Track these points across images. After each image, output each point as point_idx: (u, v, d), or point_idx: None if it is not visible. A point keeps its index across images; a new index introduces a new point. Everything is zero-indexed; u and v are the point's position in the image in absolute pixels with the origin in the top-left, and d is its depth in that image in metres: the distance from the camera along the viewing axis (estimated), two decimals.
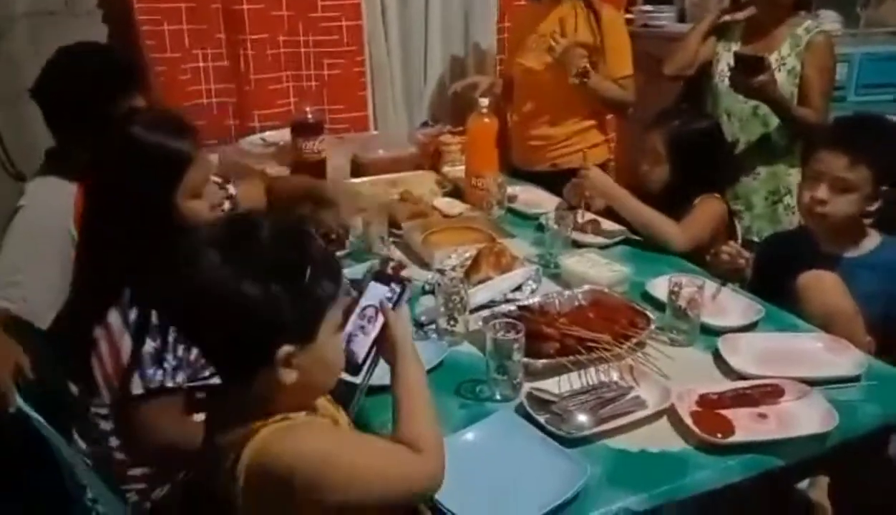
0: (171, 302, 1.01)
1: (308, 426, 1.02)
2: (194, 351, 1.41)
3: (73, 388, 1.48)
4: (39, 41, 1.96)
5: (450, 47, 3.04)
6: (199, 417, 1.42)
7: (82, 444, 1.49)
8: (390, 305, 1.16)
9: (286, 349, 0.96)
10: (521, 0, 3.03)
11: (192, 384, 1.42)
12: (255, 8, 2.65)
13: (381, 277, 1.20)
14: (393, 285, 1.18)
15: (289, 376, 0.97)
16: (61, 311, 1.48)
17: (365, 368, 1.15)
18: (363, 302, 1.17)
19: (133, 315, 1.34)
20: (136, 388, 1.33)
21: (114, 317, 1.34)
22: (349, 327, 1.13)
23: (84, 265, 1.43)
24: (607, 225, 2.11)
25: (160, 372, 1.34)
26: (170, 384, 1.35)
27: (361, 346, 1.14)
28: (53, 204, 1.74)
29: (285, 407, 1.01)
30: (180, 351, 1.38)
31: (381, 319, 1.16)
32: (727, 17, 2.46)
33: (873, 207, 1.74)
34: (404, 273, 1.58)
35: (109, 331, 1.34)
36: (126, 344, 1.33)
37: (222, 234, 0.98)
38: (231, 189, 1.83)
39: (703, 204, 2.06)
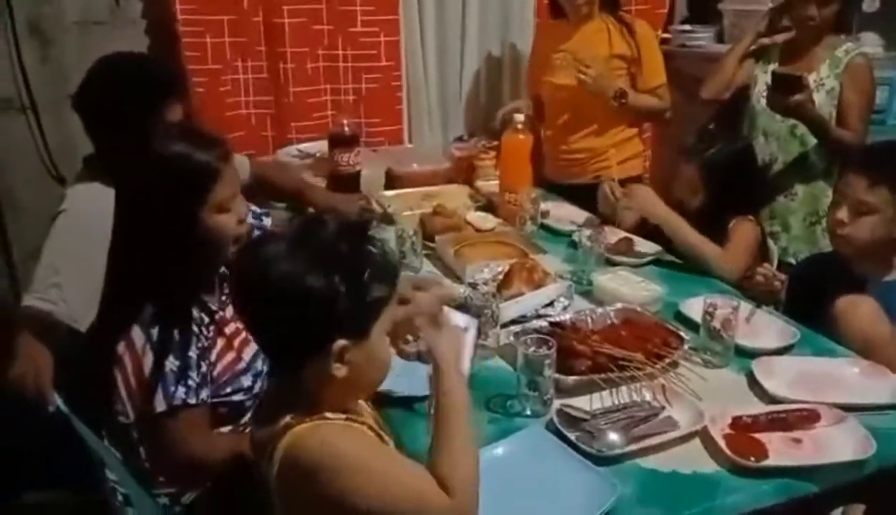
0: (238, 284, 1.06)
1: (345, 428, 1.03)
2: (217, 368, 1.43)
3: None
4: (86, 49, 2.02)
5: (486, 64, 3.06)
6: (224, 429, 1.45)
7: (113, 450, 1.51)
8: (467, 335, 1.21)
9: (341, 342, 1.00)
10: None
11: (215, 400, 1.43)
12: (295, 22, 2.69)
13: (462, 309, 1.29)
14: (470, 320, 1.26)
15: (340, 371, 1.01)
16: (91, 324, 1.49)
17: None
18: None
19: (155, 332, 1.33)
20: (160, 405, 1.33)
21: (136, 333, 1.34)
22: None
23: (111, 277, 1.43)
24: (640, 243, 2.11)
25: (183, 389, 1.34)
26: (192, 401, 1.35)
27: (463, 363, 1.20)
28: (94, 208, 1.76)
29: (331, 402, 1.04)
30: (204, 367, 1.38)
31: (468, 347, 1.22)
32: (765, 40, 2.44)
33: None
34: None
35: (132, 347, 1.34)
36: (149, 360, 1.33)
37: (292, 229, 1.04)
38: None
39: (740, 228, 2.05)
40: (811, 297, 1.76)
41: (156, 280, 1.36)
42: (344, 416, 1.05)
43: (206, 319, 1.43)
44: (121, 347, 1.35)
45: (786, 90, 2.18)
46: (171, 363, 1.33)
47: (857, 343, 1.61)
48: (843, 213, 1.72)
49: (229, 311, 1.49)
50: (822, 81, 2.31)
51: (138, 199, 1.39)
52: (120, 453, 1.47)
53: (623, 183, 2.20)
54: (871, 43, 2.90)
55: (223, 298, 1.50)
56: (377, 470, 0.99)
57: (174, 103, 1.82)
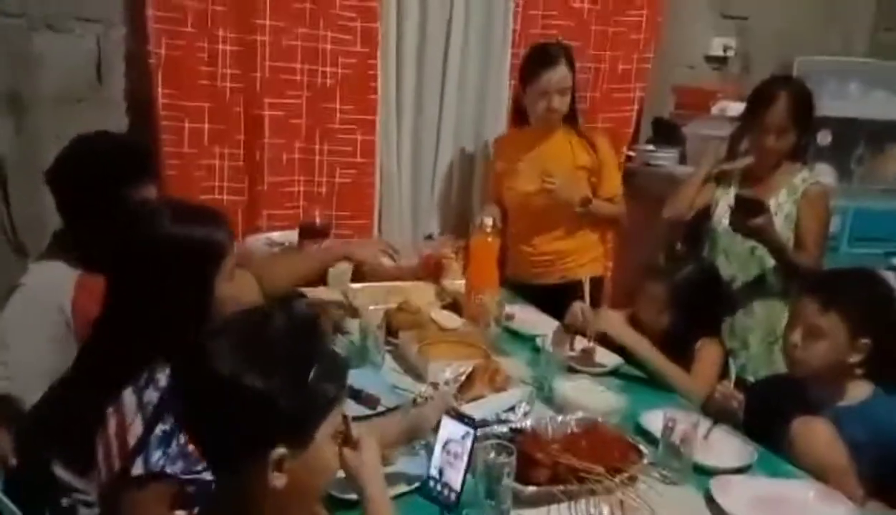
0: (175, 386, 1.01)
1: None
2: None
3: (60, 472, 1.43)
4: (63, 124, 2.03)
5: (459, 164, 3.13)
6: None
7: None
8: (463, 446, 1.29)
9: (279, 451, 0.93)
10: None
11: (185, 476, 1.38)
12: (275, 114, 2.75)
13: (453, 416, 1.36)
14: (466, 423, 1.35)
15: (279, 480, 0.94)
16: (58, 390, 1.45)
17: (461, 487, 1.33)
18: (443, 436, 1.37)
19: (148, 395, 1.31)
20: (137, 469, 1.29)
21: (128, 397, 1.31)
22: (438, 460, 1.34)
23: (97, 349, 1.42)
24: (602, 354, 2.12)
25: (164, 456, 1.30)
26: (169, 470, 1.31)
27: (457, 474, 1.34)
28: (52, 283, 1.75)
29: (276, 512, 0.98)
30: (182, 438, 1.34)
31: (464, 456, 1.31)
32: (725, 166, 2.55)
33: (853, 359, 1.73)
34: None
35: (121, 411, 1.31)
36: (136, 424, 1.30)
37: (237, 323, 0.99)
38: None
39: (707, 350, 2.09)
40: (768, 417, 1.77)
41: (163, 349, 1.34)
42: None
43: None
44: (109, 410, 1.31)
45: (748, 212, 2.27)
46: (159, 428, 1.30)
47: (812, 465, 1.62)
48: (796, 336, 1.76)
49: None
50: (781, 206, 2.41)
51: (145, 278, 1.38)
52: None
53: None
54: (824, 173, 3.05)
55: None
56: None
57: (148, 183, 1.82)
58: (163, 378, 1.33)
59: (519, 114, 2.79)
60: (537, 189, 2.61)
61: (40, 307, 1.72)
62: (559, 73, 2.58)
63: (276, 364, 0.93)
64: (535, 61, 2.62)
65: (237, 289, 1.49)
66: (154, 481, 1.30)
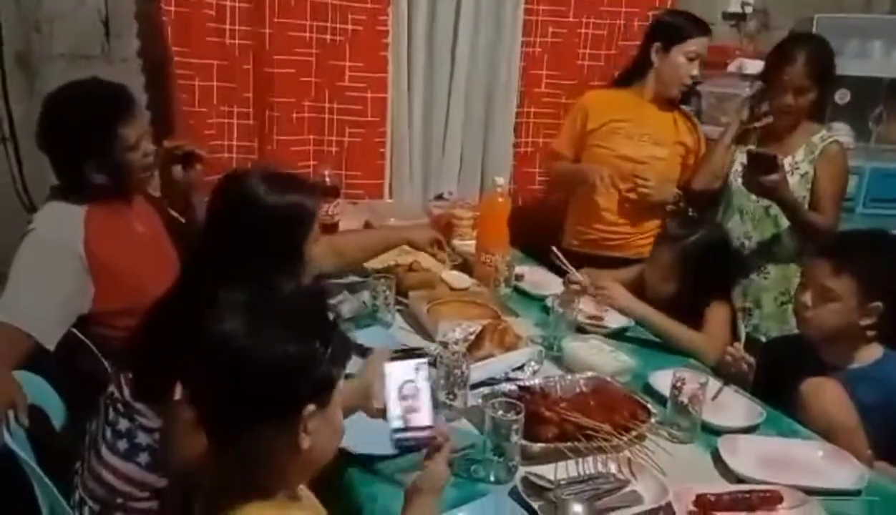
0: (198, 364, 1.00)
1: None
2: None
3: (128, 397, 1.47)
4: None
5: (470, 125, 3.10)
6: None
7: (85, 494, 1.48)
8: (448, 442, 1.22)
9: (310, 408, 0.97)
10: (541, 88, 3.12)
11: None
12: (285, 72, 2.72)
13: (399, 357, 1.29)
14: (416, 359, 1.27)
15: (305, 440, 0.98)
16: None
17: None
18: (394, 382, 1.26)
19: None
20: None
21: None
22: (397, 410, 1.24)
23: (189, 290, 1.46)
24: (612, 316, 2.11)
25: None
26: None
27: (423, 418, 1.25)
28: (62, 225, 1.78)
29: (288, 480, 1.02)
30: None
31: (423, 391, 1.25)
32: (754, 125, 2.49)
33: (865, 322, 1.71)
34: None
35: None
36: None
37: (243, 299, 1.00)
38: None
39: (716, 312, 2.08)
40: (778, 378, 1.77)
41: None
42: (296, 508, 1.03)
43: None
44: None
45: (760, 170, 2.24)
46: None
47: (821, 426, 1.62)
48: (807, 297, 1.75)
49: None
50: (798, 165, 2.38)
51: (240, 243, 1.44)
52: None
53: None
54: (841, 133, 3.00)
55: None
56: None
57: (134, 122, 1.84)
58: None
59: (627, 74, 2.67)
60: (634, 153, 2.54)
61: (53, 248, 1.76)
62: (708, 40, 2.53)
63: (309, 330, 0.98)
64: (691, 23, 2.53)
65: (319, 255, 1.60)
66: None
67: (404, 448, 1.34)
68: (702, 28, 2.53)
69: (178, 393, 1.33)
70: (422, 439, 1.26)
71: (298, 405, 0.96)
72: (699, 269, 2.09)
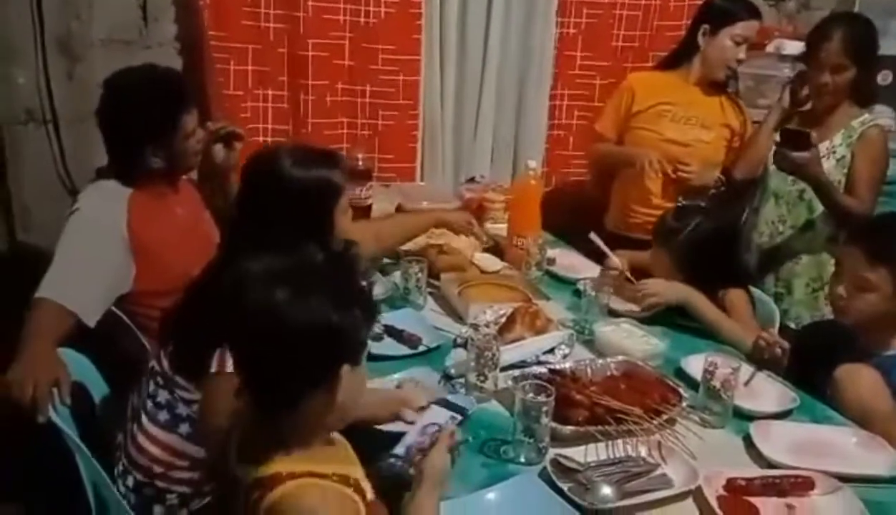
0: (247, 330, 1.05)
1: (337, 500, 1.04)
2: None
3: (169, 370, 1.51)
4: (112, 69, 2.05)
5: (503, 108, 3.09)
6: None
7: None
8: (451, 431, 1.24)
9: (346, 367, 1.05)
10: (575, 70, 3.10)
11: None
12: (319, 55, 2.73)
13: (443, 404, 1.37)
14: (454, 414, 1.34)
15: (342, 395, 1.05)
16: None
17: None
18: (427, 419, 1.33)
19: None
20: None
21: None
22: (410, 439, 1.28)
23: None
24: None
25: None
26: None
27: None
28: (107, 206, 1.84)
29: (319, 435, 1.09)
30: None
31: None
32: (796, 109, 2.44)
33: None
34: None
35: None
36: None
37: (285, 268, 1.05)
38: None
39: (734, 299, 2.04)
40: (813, 363, 1.75)
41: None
42: (333, 473, 1.06)
43: None
44: None
45: (792, 146, 2.19)
46: None
47: (856, 412, 1.60)
48: (842, 288, 1.73)
49: None
50: (835, 149, 2.33)
51: (269, 220, 1.49)
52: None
53: None
54: (883, 115, 2.93)
55: None
56: None
57: (189, 112, 1.89)
58: None
59: (673, 56, 2.64)
60: (681, 137, 2.51)
61: (97, 228, 1.81)
62: (757, 24, 2.50)
63: (350, 299, 1.05)
64: (741, 5, 2.49)
65: (360, 242, 1.66)
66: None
67: (386, 468, 1.27)
68: (752, 11, 2.49)
69: (214, 365, 1.37)
70: (405, 471, 1.24)
71: (335, 365, 1.04)
72: (703, 258, 2.04)
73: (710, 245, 2.07)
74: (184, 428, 1.50)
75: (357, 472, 1.14)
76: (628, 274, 2.11)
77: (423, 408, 1.40)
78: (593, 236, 2.22)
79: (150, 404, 1.52)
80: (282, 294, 1.01)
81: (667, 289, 2.01)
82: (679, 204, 2.44)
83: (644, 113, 2.58)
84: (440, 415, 1.33)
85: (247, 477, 1.04)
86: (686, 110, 2.54)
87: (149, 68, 1.93)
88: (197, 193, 2.09)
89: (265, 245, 1.35)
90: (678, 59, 2.61)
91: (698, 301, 1.98)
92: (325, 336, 1.01)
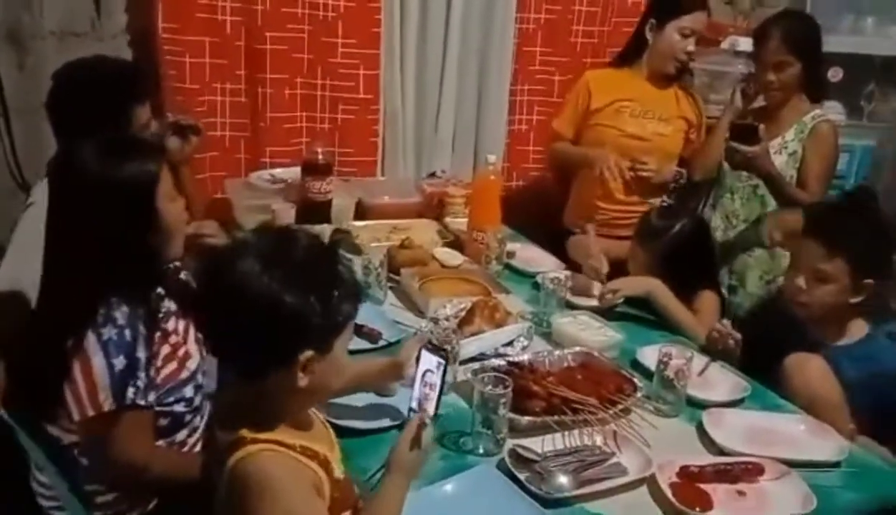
0: (210, 297, 1.08)
1: (292, 467, 1.07)
2: (161, 375, 1.45)
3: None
4: (64, 60, 2.01)
5: (463, 103, 3.10)
6: (160, 443, 1.46)
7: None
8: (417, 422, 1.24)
9: (307, 353, 1.05)
10: (535, 65, 3.12)
11: (157, 408, 1.44)
12: (277, 49, 2.71)
13: (430, 348, 1.39)
14: (441, 354, 1.36)
15: (303, 380, 1.06)
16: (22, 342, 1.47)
17: (435, 418, 1.30)
18: (421, 368, 1.36)
19: (108, 333, 1.35)
20: (108, 404, 1.34)
21: (88, 338, 1.35)
22: (417, 392, 1.34)
23: (52, 293, 1.44)
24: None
25: (132, 389, 1.35)
26: (141, 402, 1.36)
27: (430, 405, 1.32)
28: None
29: (290, 411, 1.11)
30: (151, 371, 1.40)
31: (437, 385, 1.32)
32: (751, 106, 2.49)
33: (856, 299, 1.74)
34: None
35: (84, 353, 1.35)
36: (99, 362, 1.34)
37: (264, 244, 1.07)
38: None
39: (706, 301, 2.07)
40: (766, 354, 1.79)
41: (110, 277, 1.37)
42: (297, 444, 1.08)
43: (152, 325, 1.43)
44: (71, 353, 1.35)
45: (742, 141, 2.22)
46: (120, 362, 1.34)
47: (804, 400, 1.65)
48: (801, 280, 1.77)
49: (172, 323, 1.51)
50: (787, 144, 2.38)
51: (81, 217, 1.40)
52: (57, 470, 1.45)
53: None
54: (833, 111, 3.01)
55: (168, 307, 1.52)
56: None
57: (145, 102, 1.87)
58: (119, 315, 1.36)
59: (624, 53, 2.67)
60: (641, 132, 2.53)
61: None
62: (704, 16, 2.52)
63: (309, 284, 1.04)
64: None
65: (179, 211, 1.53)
66: (127, 412, 1.35)
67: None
68: (697, 3, 2.52)
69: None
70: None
71: (295, 350, 1.04)
72: (682, 262, 2.06)
73: (690, 247, 2.10)
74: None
75: (328, 450, 1.16)
76: (603, 278, 2.12)
77: (417, 358, 1.41)
78: (590, 228, 2.21)
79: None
80: (246, 265, 1.03)
81: (629, 283, 2.03)
82: (663, 203, 2.45)
83: (602, 110, 2.60)
84: (431, 362, 1.36)
85: (221, 442, 1.08)
86: (643, 105, 2.58)
87: (99, 60, 1.90)
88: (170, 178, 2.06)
89: (80, 259, 1.37)
90: (630, 55, 2.65)
91: (660, 293, 2.00)
92: (274, 314, 1.02)
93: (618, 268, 2.19)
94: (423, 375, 1.36)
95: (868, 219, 1.84)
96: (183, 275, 1.63)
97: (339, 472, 1.16)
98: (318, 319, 1.04)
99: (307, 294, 1.03)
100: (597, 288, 2.10)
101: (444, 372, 1.34)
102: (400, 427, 1.41)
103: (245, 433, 1.05)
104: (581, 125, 2.66)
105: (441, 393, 1.32)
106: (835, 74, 3.18)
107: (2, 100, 2.50)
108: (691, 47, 2.52)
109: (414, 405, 1.34)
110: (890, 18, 3.37)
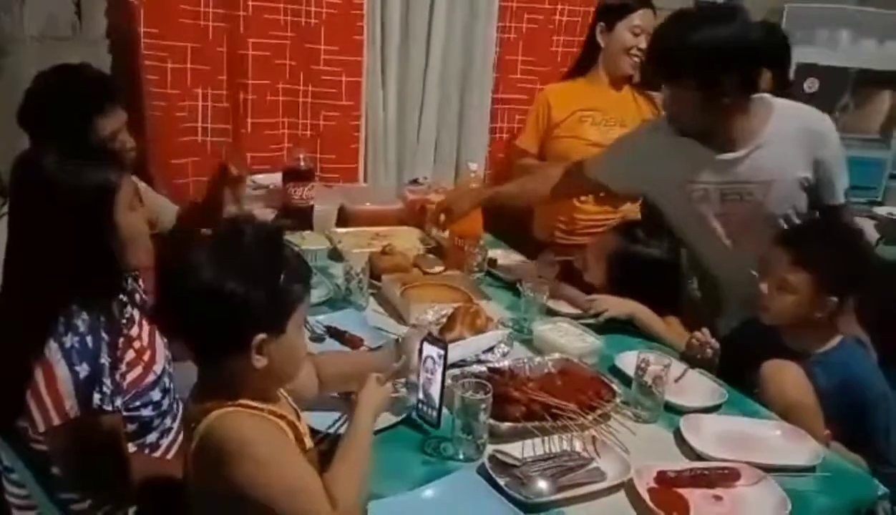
0: (164, 289, 1.16)
1: (257, 418, 1.14)
2: (127, 380, 1.45)
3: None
4: (44, 65, 2.00)
5: (445, 110, 3.12)
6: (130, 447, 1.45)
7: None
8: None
9: (260, 336, 1.12)
10: (516, 74, 3.15)
11: (125, 413, 1.43)
12: (259, 55, 2.71)
13: (431, 340, 1.49)
14: (440, 345, 1.47)
15: (259, 361, 1.13)
16: None
17: (439, 402, 1.46)
18: (424, 355, 1.48)
19: (70, 341, 1.33)
20: (73, 412, 1.32)
21: (50, 346, 1.33)
22: (421, 378, 1.48)
23: (11, 300, 1.42)
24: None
25: (98, 395, 1.34)
26: (108, 407, 1.36)
27: (435, 388, 1.47)
28: None
29: (252, 391, 1.16)
30: (116, 376, 1.39)
31: (439, 368, 1.44)
32: None
33: (819, 315, 1.75)
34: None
35: (46, 361, 1.33)
36: (62, 370, 1.32)
37: (213, 240, 1.15)
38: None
39: (674, 327, 2.03)
40: (743, 361, 1.81)
41: (70, 285, 1.37)
42: (264, 407, 1.16)
43: (114, 332, 1.42)
44: (34, 363, 1.34)
45: None
46: (83, 369, 1.33)
47: (780, 406, 1.67)
48: (764, 286, 1.79)
49: (136, 329, 1.52)
50: None
51: (38, 226, 1.39)
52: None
53: None
54: None
55: (131, 313, 1.52)
56: (274, 463, 1.09)
57: (115, 110, 1.86)
58: (80, 323, 1.35)
59: (579, 63, 2.71)
60: (603, 139, 2.51)
61: None
62: (651, 14, 2.54)
63: (251, 271, 1.10)
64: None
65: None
66: (94, 417, 1.34)
67: (419, 417, 1.51)
68: (644, 1, 2.57)
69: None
70: (429, 415, 1.49)
71: (246, 334, 1.11)
72: (653, 287, 2.03)
73: (657, 277, 2.07)
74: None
75: (295, 419, 1.22)
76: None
77: (420, 351, 1.50)
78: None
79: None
80: (193, 258, 1.10)
81: (616, 305, 2.01)
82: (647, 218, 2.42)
83: (564, 122, 2.65)
84: (432, 351, 1.47)
85: (190, 416, 1.15)
86: (604, 113, 2.62)
87: (76, 67, 1.89)
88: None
89: (38, 266, 1.37)
90: (584, 63, 2.69)
91: (643, 315, 1.99)
92: (221, 303, 1.08)
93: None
94: (424, 362, 1.47)
95: (840, 235, 1.86)
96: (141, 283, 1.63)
97: (307, 442, 1.22)
98: (266, 303, 1.10)
99: (251, 280, 1.09)
100: (581, 297, 2.10)
101: (445, 360, 1.45)
102: (402, 422, 1.51)
103: (211, 405, 1.12)
104: (545, 139, 2.70)
105: (444, 380, 1.44)
106: (810, 86, 3.24)
107: None
108: (643, 45, 2.55)
109: (421, 396, 1.48)
110: (864, 32, 3.45)
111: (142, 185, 2.16)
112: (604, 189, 2.31)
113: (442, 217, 2.32)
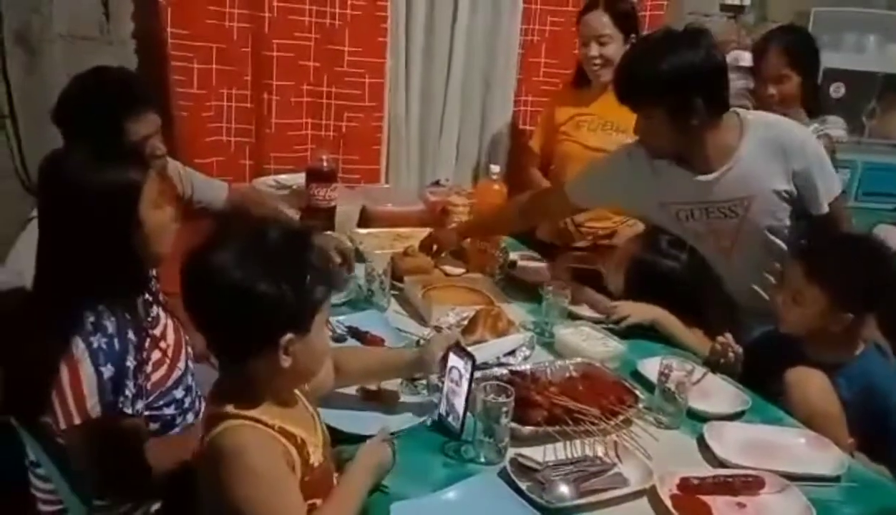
0: (190, 289, 1.15)
1: (267, 444, 1.14)
2: (152, 380, 1.46)
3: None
4: (73, 64, 2.04)
5: (467, 112, 3.12)
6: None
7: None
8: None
9: (288, 336, 1.13)
10: (538, 76, 3.17)
11: (147, 413, 1.45)
12: (284, 56, 2.74)
13: (458, 351, 1.50)
14: (467, 357, 1.47)
15: (286, 361, 1.14)
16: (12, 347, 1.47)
17: (463, 413, 1.46)
18: (448, 367, 1.49)
19: (97, 341, 1.34)
20: (94, 412, 1.33)
21: (77, 345, 1.34)
22: (446, 387, 1.48)
23: (39, 299, 1.44)
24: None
25: (120, 397, 1.35)
26: (128, 410, 1.37)
27: (459, 400, 1.46)
28: None
29: (274, 391, 1.19)
30: (140, 378, 1.40)
31: (465, 380, 1.45)
32: None
33: (834, 328, 1.73)
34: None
35: (72, 360, 1.34)
36: (87, 369, 1.33)
37: (238, 236, 1.15)
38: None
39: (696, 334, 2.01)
40: (767, 368, 1.80)
41: (97, 285, 1.38)
42: (278, 425, 1.16)
43: (141, 332, 1.44)
44: (60, 361, 1.35)
45: None
46: (108, 370, 1.34)
47: (804, 414, 1.65)
48: (781, 297, 1.79)
49: (160, 328, 1.53)
50: None
51: (68, 225, 1.40)
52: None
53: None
54: (835, 125, 3.03)
55: (157, 312, 1.54)
56: (265, 484, 1.10)
57: (147, 113, 1.86)
58: (109, 324, 1.37)
59: (579, 76, 2.70)
60: (600, 143, 2.53)
61: None
62: (595, 19, 2.52)
63: (281, 272, 1.12)
64: (585, 7, 2.58)
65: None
66: (115, 420, 1.35)
67: (440, 425, 1.51)
68: (589, 6, 2.56)
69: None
70: (452, 425, 1.48)
71: (275, 334, 1.12)
72: (668, 300, 2.00)
73: (679, 289, 2.03)
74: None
75: (307, 435, 1.21)
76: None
77: (444, 358, 1.51)
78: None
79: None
80: (220, 259, 1.10)
81: (638, 311, 1.99)
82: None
83: (565, 124, 2.68)
84: (458, 363, 1.47)
85: (207, 416, 1.17)
86: (601, 118, 2.61)
87: (113, 70, 1.91)
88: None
89: (65, 264, 1.39)
90: (582, 73, 2.68)
91: (667, 322, 1.98)
92: (250, 304, 1.09)
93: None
94: (449, 372, 1.47)
95: (860, 253, 1.79)
96: None
97: (316, 458, 1.21)
98: (293, 303, 1.11)
99: (280, 281, 1.10)
100: (604, 302, 2.09)
101: (472, 373, 1.44)
102: (424, 424, 1.51)
103: (229, 408, 1.13)
104: (551, 140, 2.73)
105: (469, 392, 1.44)
106: (837, 90, 3.21)
107: (10, 102, 2.52)
108: (594, 52, 2.53)
109: (446, 404, 1.48)
110: (892, 37, 3.40)
111: (187, 170, 2.20)
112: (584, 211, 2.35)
113: (434, 247, 2.31)
